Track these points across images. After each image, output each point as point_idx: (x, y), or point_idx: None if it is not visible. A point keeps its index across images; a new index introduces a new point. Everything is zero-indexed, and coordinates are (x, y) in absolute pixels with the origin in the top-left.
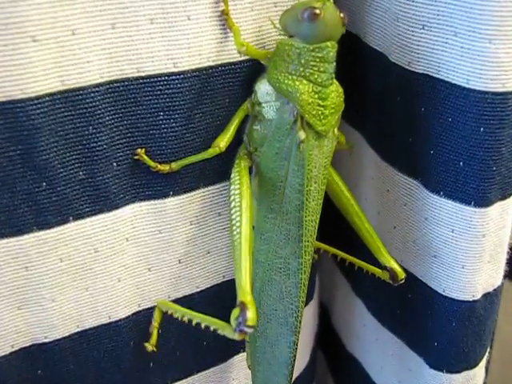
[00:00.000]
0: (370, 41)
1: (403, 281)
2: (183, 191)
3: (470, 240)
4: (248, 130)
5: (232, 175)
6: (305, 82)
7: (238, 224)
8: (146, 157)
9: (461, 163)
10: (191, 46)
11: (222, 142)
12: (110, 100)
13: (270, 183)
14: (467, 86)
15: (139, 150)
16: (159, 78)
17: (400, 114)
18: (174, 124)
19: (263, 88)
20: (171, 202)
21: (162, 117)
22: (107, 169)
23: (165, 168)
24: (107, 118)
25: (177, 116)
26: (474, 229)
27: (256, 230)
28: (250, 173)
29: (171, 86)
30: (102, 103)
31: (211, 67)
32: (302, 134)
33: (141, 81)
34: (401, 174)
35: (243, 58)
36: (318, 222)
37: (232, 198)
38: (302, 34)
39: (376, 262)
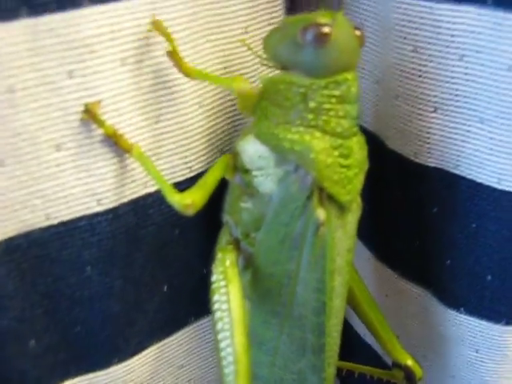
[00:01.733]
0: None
1: (421, 380)
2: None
3: (499, 360)
4: (231, 208)
5: (213, 278)
6: (318, 134)
7: (228, 346)
8: None
9: (488, 277)
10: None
11: (196, 195)
12: (10, 263)
13: (273, 280)
14: (499, 187)
15: None
16: (78, 223)
17: (402, 209)
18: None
19: (251, 148)
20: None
21: (88, 273)
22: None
23: None
24: (10, 287)
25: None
26: (504, 348)
27: (251, 339)
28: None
29: (97, 230)
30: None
31: (150, 194)
32: (321, 214)
33: (52, 230)
34: (405, 281)
35: (192, 174)
36: (342, 323)
37: (218, 315)
38: (305, 64)
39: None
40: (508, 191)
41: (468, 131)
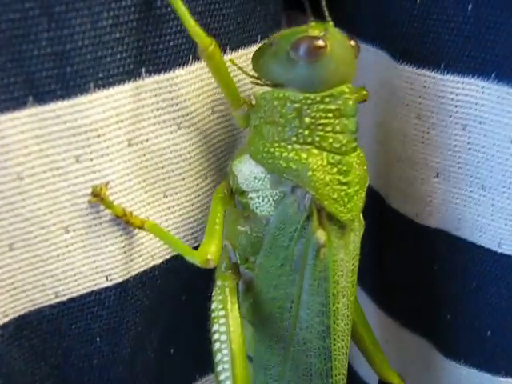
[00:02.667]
0: None
1: None
2: None
3: None
4: (229, 232)
5: (213, 306)
6: (314, 151)
7: (227, 378)
8: None
9: (488, 332)
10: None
11: (211, 247)
12: (21, 340)
13: (275, 305)
14: (499, 250)
15: None
16: (87, 299)
17: (402, 264)
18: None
19: (246, 169)
20: None
21: (97, 344)
22: None
23: None
24: (21, 363)
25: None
26: None
27: (256, 364)
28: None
29: (106, 304)
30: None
31: (157, 266)
32: (321, 235)
33: (62, 306)
34: (406, 330)
35: (197, 243)
36: (348, 346)
37: (217, 346)
38: (299, 79)
39: None
40: (508, 254)
41: (470, 197)
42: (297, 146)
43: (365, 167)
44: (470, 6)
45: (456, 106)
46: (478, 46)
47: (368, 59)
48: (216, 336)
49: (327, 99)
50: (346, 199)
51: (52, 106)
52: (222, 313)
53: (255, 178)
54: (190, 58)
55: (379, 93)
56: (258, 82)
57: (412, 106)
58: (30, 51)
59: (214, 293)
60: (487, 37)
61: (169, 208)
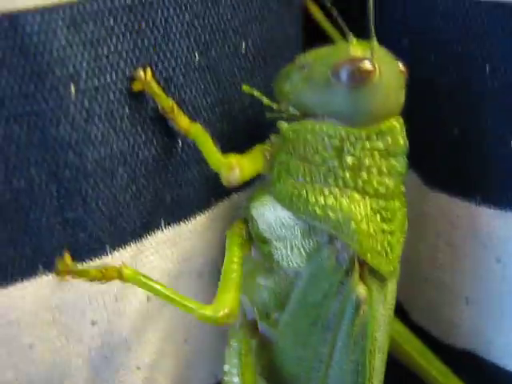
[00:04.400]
0: None
1: None
2: None
3: None
4: (245, 284)
5: (226, 368)
6: (357, 196)
7: None
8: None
9: None
10: None
11: (228, 299)
12: None
13: (300, 366)
14: None
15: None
16: None
17: None
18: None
19: (270, 215)
20: None
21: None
22: None
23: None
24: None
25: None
26: None
27: None
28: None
29: None
30: None
31: None
32: (362, 291)
33: None
34: None
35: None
36: None
37: None
38: (340, 110)
39: None
40: None
41: (501, 325)
42: (335, 190)
43: (405, 209)
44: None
45: (491, 239)
46: None
47: None
48: None
49: (374, 136)
50: (388, 249)
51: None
52: (236, 380)
53: (282, 224)
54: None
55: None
56: (281, 113)
57: (443, 233)
58: (38, 221)
59: (226, 352)
60: None
61: (189, 353)
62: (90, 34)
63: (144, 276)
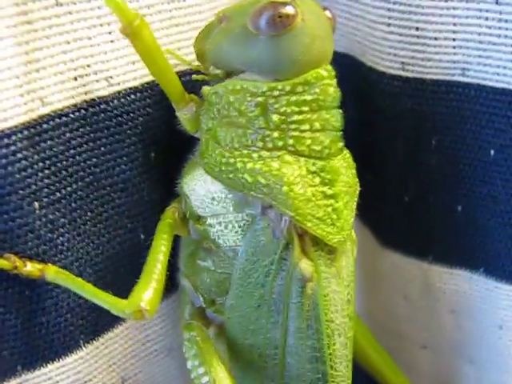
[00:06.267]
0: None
1: None
2: None
3: None
4: (187, 268)
5: (189, 365)
6: (288, 157)
7: None
8: None
9: None
10: None
11: (147, 292)
12: None
13: (254, 353)
14: None
15: None
16: None
17: None
18: None
19: (200, 189)
20: None
21: None
22: None
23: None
24: None
25: None
26: None
27: None
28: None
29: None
30: None
31: None
32: (306, 267)
33: None
34: None
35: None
36: None
37: None
38: (261, 61)
39: None
40: None
41: (458, 369)
42: (265, 153)
43: (353, 171)
44: (459, 207)
45: (445, 293)
46: (467, 242)
47: None
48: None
49: (300, 88)
50: (334, 216)
51: None
52: (201, 370)
53: (213, 199)
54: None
55: (368, 276)
56: (204, 75)
57: (398, 287)
58: None
59: (184, 349)
60: (476, 237)
61: None
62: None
63: (66, 273)
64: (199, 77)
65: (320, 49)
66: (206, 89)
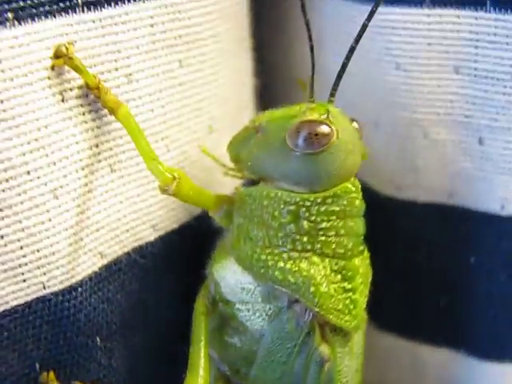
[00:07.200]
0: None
1: None
2: None
3: None
4: (214, 341)
5: None
6: (316, 259)
7: None
8: None
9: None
10: None
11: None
12: None
13: None
14: None
15: None
16: None
17: None
18: None
19: (231, 278)
20: None
21: None
22: None
23: None
24: None
25: None
26: None
27: None
28: None
29: None
30: None
31: None
32: (325, 350)
33: None
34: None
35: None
36: None
37: None
38: (295, 175)
39: None
40: None
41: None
42: (294, 254)
43: (367, 261)
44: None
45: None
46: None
47: None
48: None
49: (330, 200)
50: (351, 306)
51: None
52: None
53: (243, 288)
54: None
55: None
56: (236, 174)
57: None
58: None
59: None
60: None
61: None
62: None
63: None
64: (232, 174)
65: (351, 162)
66: (240, 190)
